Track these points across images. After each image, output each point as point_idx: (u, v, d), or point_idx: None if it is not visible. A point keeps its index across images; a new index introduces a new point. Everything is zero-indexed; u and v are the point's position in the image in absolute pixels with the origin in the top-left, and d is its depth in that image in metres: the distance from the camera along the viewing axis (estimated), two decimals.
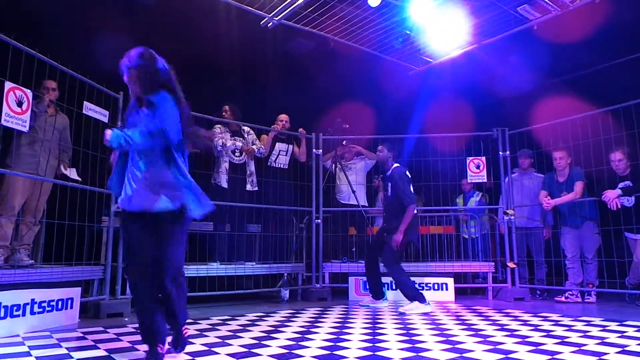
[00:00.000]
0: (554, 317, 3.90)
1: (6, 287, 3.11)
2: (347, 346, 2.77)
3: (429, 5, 5.52)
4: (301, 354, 2.59)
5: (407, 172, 4.70)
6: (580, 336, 3.03)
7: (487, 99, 6.78)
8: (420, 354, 2.56)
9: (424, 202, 6.24)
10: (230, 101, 5.38)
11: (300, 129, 5.75)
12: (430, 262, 5.77)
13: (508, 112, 6.34)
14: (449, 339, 2.97)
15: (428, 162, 5.63)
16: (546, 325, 3.45)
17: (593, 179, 4.92)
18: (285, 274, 5.31)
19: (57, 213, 3.85)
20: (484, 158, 5.58)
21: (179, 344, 2.53)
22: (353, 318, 3.91)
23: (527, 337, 3.02)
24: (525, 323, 3.54)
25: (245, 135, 5.32)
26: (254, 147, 5.29)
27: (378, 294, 4.74)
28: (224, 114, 5.25)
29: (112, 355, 2.53)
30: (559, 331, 3.21)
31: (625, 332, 3.18)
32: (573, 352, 2.59)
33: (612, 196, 4.60)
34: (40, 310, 3.31)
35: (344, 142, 5.89)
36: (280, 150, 5.58)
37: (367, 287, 4.87)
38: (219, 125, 5.20)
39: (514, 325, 3.48)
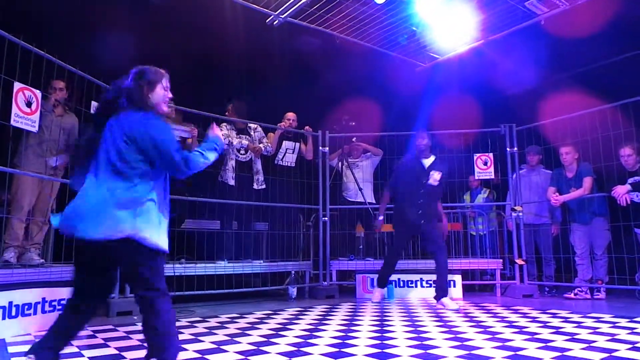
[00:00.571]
0: (563, 313, 3.87)
1: (17, 286, 3.14)
2: (355, 343, 2.77)
3: (435, 1, 5.49)
4: (310, 351, 2.59)
5: None
6: (590, 333, 3.01)
7: (494, 95, 6.73)
8: (428, 351, 2.56)
9: None
10: (236, 100, 5.39)
11: (307, 127, 5.75)
12: None
13: (516, 108, 6.29)
14: (457, 336, 2.96)
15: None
16: (555, 322, 3.43)
17: (602, 174, 4.88)
18: (293, 272, 5.32)
19: None
20: (491, 154, 5.56)
21: None
22: (361, 315, 3.91)
23: (536, 334, 3.00)
24: (534, 320, 3.53)
25: (252, 133, 5.33)
26: (261, 145, 5.29)
27: (385, 284, 4.86)
28: (226, 113, 5.27)
29: (122, 353, 2.56)
30: (569, 328, 3.20)
31: (635, 328, 3.16)
32: (583, 348, 2.57)
33: (621, 192, 4.55)
34: (51, 309, 3.34)
35: (353, 139, 5.89)
36: (287, 149, 5.59)
37: (381, 276, 4.83)
38: (225, 124, 5.21)
39: (522, 322, 3.46)
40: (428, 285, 5.16)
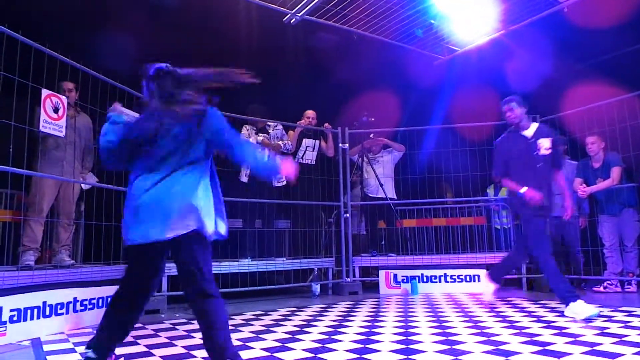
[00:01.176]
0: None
1: (50, 286, 3.25)
2: (380, 339, 2.77)
3: None
4: (334, 347, 2.61)
5: None
6: (621, 327, 2.94)
7: (515, 86, 6.60)
8: (454, 346, 2.54)
9: (453, 193, 6.16)
10: (255, 99, 5.42)
11: (326, 124, 5.76)
12: (461, 253, 5.70)
13: (538, 98, 6.15)
14: (483, 331, 2.94)
15: (457, 152, 5.55)
16: None
17: (632, 164, 4.74)
18: (316, 269, 5.35)
19: (94, 213, 3.98)
20: None
21: None
22: (385, 311, 3.91)
23: (565, 328, 2.95)
24: (561, 314, 3.45)
25: (270, 130, 5.36)
26: (280, 142, 5.32)
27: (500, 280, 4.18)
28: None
29: (151, 350, 2.62)
30: (599, 322, 3.13)
31: None
32: (614, 343, 2.52)
33: None
34: (82, 308, 3.45)
35: (371, 135, 5.86)
36: (307, 146, 5.60)
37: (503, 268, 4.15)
38: (247, 126, 5.26)
39: (550, 316, 3.41)
40: (452, 280, 5.12)
